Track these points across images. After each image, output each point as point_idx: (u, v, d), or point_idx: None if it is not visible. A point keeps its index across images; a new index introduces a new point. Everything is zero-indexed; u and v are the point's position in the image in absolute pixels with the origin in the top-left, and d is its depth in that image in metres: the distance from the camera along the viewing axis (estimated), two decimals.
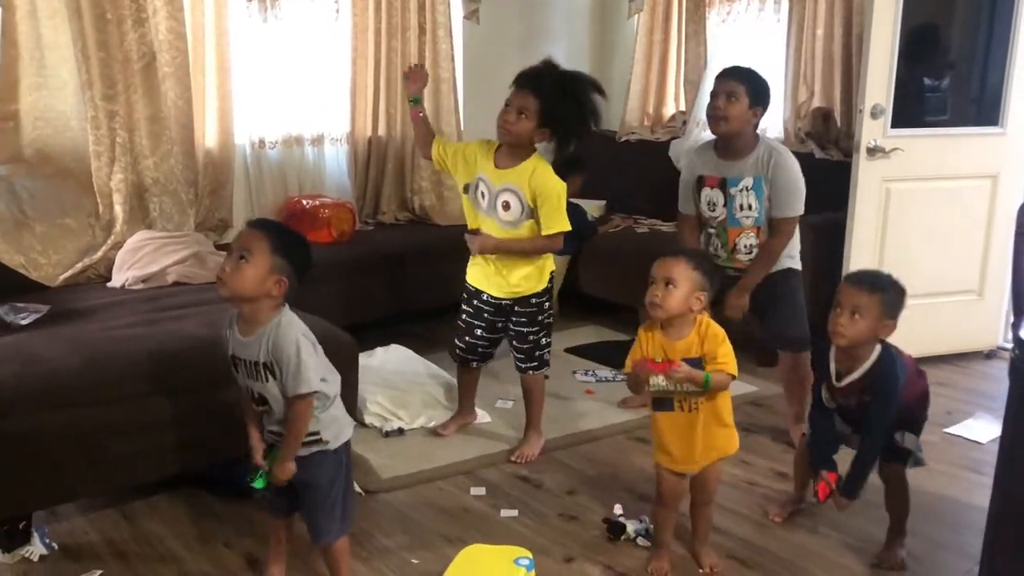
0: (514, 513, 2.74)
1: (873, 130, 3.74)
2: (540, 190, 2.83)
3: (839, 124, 4.40)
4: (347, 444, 2.21)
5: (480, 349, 3.10)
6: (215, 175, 4.12)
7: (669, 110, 5.33)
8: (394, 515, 2.73)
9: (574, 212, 4.57)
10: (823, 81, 4.43)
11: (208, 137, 4.09)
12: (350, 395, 3.01)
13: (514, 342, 3.06)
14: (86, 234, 3.60)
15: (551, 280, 3.02)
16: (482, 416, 3.35)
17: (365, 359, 3.39)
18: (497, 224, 2.91)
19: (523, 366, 3.07)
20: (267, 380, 2.07)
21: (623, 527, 2.59)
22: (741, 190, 3.04)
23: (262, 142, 4.33)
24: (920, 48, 3.88)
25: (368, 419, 3.27)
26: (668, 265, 2.29)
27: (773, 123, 4.52)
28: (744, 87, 2.98)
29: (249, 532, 2.57)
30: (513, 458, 3.05)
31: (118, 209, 3.64)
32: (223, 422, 2.43)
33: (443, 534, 2.62)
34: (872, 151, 3.74)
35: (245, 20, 4.17)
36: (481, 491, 2.87)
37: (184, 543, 2.53)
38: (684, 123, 5.04)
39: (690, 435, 2.33)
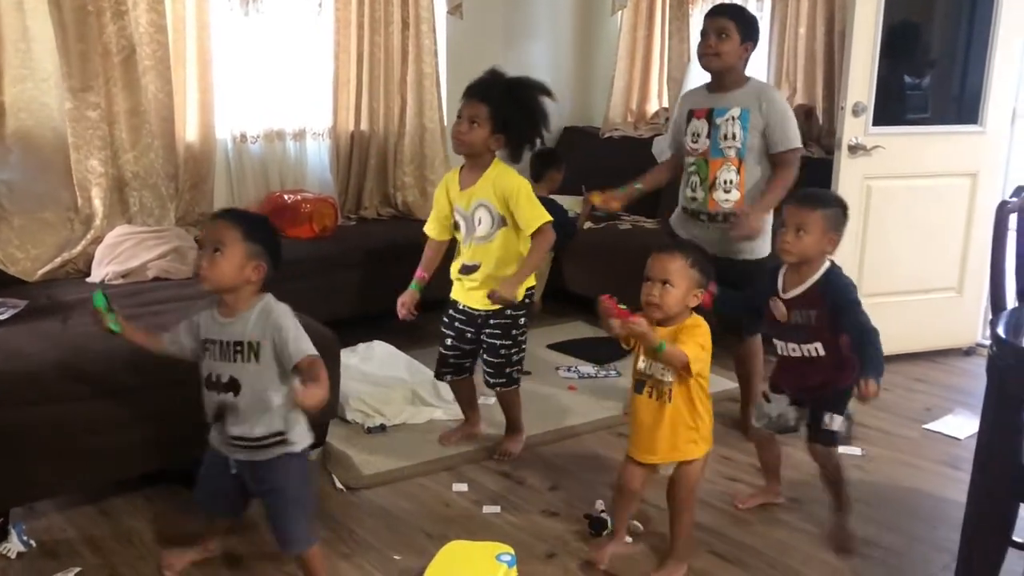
0: (496, 509, 2.74)
1: (855, 128, 3.76)
2: (506, 192, 2.81)
3: (821, 122, 4.42)
4: (308, 451, 2.20)
5: (451, 360, 3.03)
6: (196, 169, 4.09)
7: (652, 107, 5.35)
8: (376, 512, 2.72)
9: (553, 209, 4.59)
10: (805, 79, 4.45)
11: (189, 131, 4.06)
12: (332, 391, 3.00)
13: (485, 355, 2.98)
14: (65, 228, 3.57)
15: (528, 297, 2.95)
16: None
17: (347, 355, 3.38)
18: (472, 244, 2.89)
19: (491, 381, 3.00)
20: (248, 360, 2.08)
21: (605, 523, 2.60)
22: (728, 119, 3.05)
23: (243, 136, 4.31)
24: (901, 46, 3.90)
25: (350, 415, 3.26)
26: (664, 263, 2.27)
27: None
28: (734, 24, 3.02)
29: (230, 529, 2.55)
30: (496, 456, 3.05)
31: (97, 203, 3.61)
32: (204, 419, 2.42)
33: (425, 530, 2.61)
34: (853, 149, 3.76)
35: (227, 13, 4.14)
36: (463, 487, 2.87)
37: (164, 540, 2.51)
38: (667, 120, 5.04)
39: (654, 425, 2.34)
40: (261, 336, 2.08)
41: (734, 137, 3.05)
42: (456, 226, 2.94)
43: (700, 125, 3.11)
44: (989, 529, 2.01)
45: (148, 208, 3.76)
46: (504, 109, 2.78)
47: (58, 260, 3.47)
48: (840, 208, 2.46)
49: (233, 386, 2.10)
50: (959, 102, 4.10)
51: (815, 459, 2.55)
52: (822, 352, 2.43)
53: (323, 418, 3.03)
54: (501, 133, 2.80)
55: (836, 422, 2.47)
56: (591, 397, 3.59)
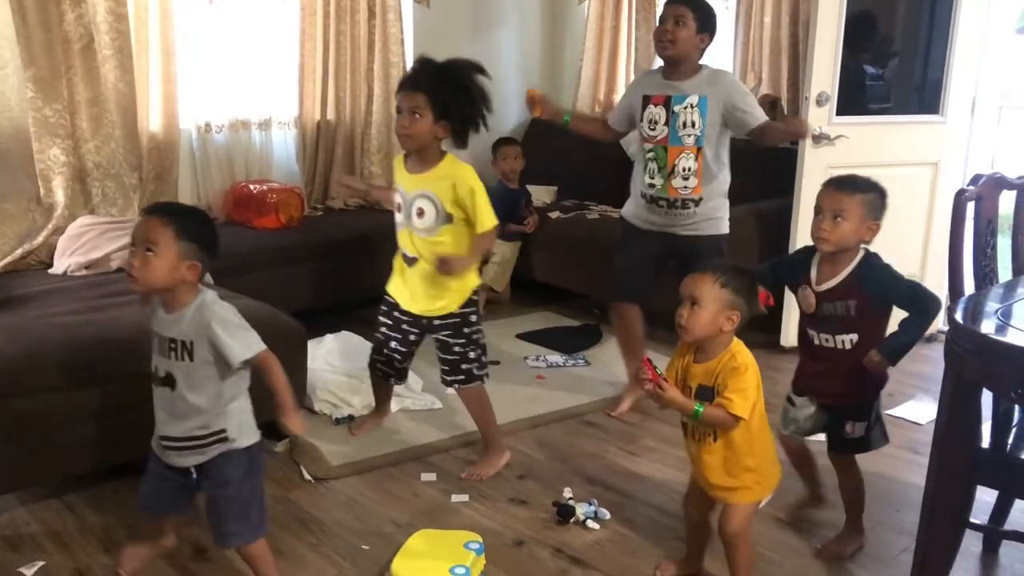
0: (465, 498, 2.75)
1: (818, 117, 3.80)
2: (465, 192, 2.74)
3: (786, 112, 4.46)
4: (258, 447, 2.13)
5: (397, 364, 2.99)
6: (160, 159, 4.04)
7: (620, 96, 5.34)
8: (344, 501, 2.72)
9: (514, 196, 4.60)
10: (770, 69, 4.49)
11: (153, 120, 4.02)
12: (299, 382, 3.01)
13: (439, 353, 2.91)
14: (26, 219, 3.52)
15: (474, 295, 2.88)
16: (432, 402, 3.36)
17: (314, 346, 3.37)
18: (413, 234, 2.81)
19: (448, 379, 2.93)
20: (182, 359, 2.01)
21: (572, 510, 2.62)
22: (686, 107, 3.07)
23: (208, 126, 4.26)
24: (864, 37, 3.95)
25: (318, 406, 3.25)
26: (693, 282, 2.10)
27: None
28: (692, 13, 3.04)
29: (196, 521, 2.53)
30: (463, 475, 2.89)
31: (59, 193, 3.56)
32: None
33: (393, 520, 2.62)
34: (817, 138, 3.80)
35: (190, 1, 4.09)
36: (432, 477, 2.87)
37: (130, 534, 2.49)
38: None
39: (698, 463, 2.19)
40: (195, 336, 2.00)
41: (693, 125, 3.07)
42: (397, 207, 2.85)
43: (658, 112, 3.12)
44: (947, 511, 2.04)
45: (111, 198, 3.71)
46: (442, 94, 2.71)
47: (19, 251, 3.42)
48: (879, 193, 2.32)
49: (168, 381, 2.04)
50: (920, 92, 4.16)
51: (836, 468, 2.49)
52: (856, 342, 2.33)
53: None
54: (444, 120, 2.73)
55: (859, 429, 2.39)
56: (559, 386, 3.61)
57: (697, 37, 3.06)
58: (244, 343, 2.01)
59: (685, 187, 3.12)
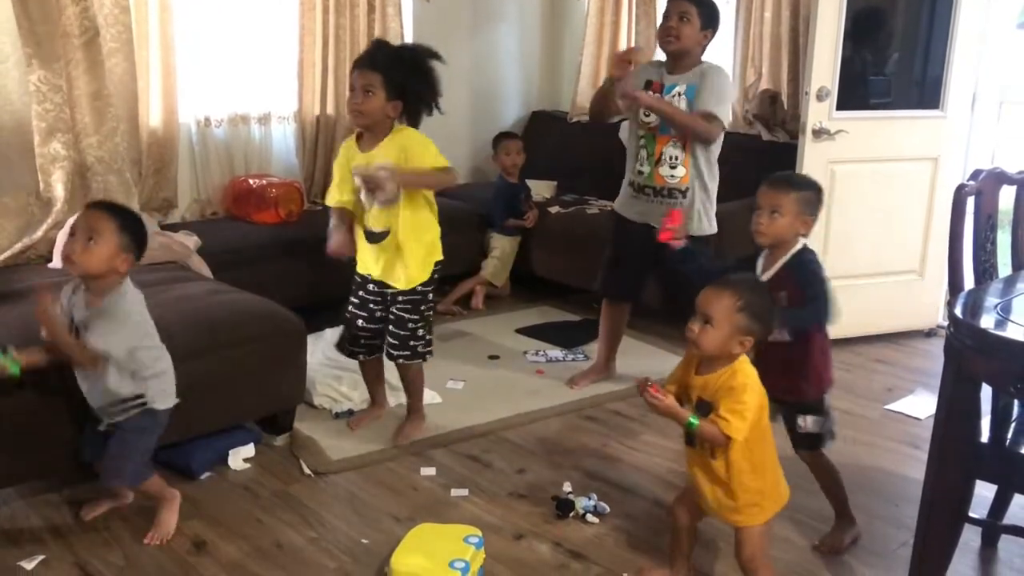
0: (464, 492, 2.75)
1: (819, 112, 3.79)
2: (411, 148, 2.79)
3: (786, 106, 4.45)
4: (170, 412, 2.40)
5: (363, 340, 3.02)
6: (160, 154, 4.03)
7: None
8: (344, 496, 2.72)
9: (514, 190, 4.61)
10: (770, 64, 4.48)
11: (152, 115, 4.01)
12: (299, 377, 3.01)
13: (391, 327, 2.96)
14: (25, 213, 3.51)
15: (435, 274, 2.96)
16: (432, 397, 3.35)
17: (313, 341, 3.36)
18: (376, 207, 2.81)
19: (394, 352, 2.98)
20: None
21: (572, 504, 2.62)
22: (674, 95, 3.12)
23: (208, 120, 4.25)
24: (865, 32, 3.94)
25: (318, 400, 3.25)
26: (710, 299, 2.04)
27: None
28: (696, 9, 3.09)
29: (195, 514, 2.54)
30: (395, 443, 3.00)
31: (59, 188, 3.55)
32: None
33: (393, 514, 2.62)
34: (817, 133, 3.80)
35: None
36: (431, 471, 2.87)
37: (129, 527, 2.49)
38: None
39: (700, 474, 2.14)
40: (91, 318, 2.24)
41: None
42: (358, 191, 2.85)
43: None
44: (946, 506, 2.05)
45: (112, 193, 3.69)
46: (396, 72, 2.77)
47: (18, 246, 3.41)
48: (814, 191, 2.41)
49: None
50: (921, 87, 4.15)
51: (807, 464, 2.49)
52: (787, 337, 2.33)
53: (290, 404, 3.04)
54: (398, 99, 2.78)
55: (810, 423, 2.40)
56: (559, 381, 3.61)
57: (701, 33, 3.11)
58: (97, 342, 2.23)
59: (672, 176, 3.15)
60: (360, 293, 2.99)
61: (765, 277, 2.40)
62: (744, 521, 2.13)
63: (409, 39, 4.76)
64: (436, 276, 2.98)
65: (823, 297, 2.31)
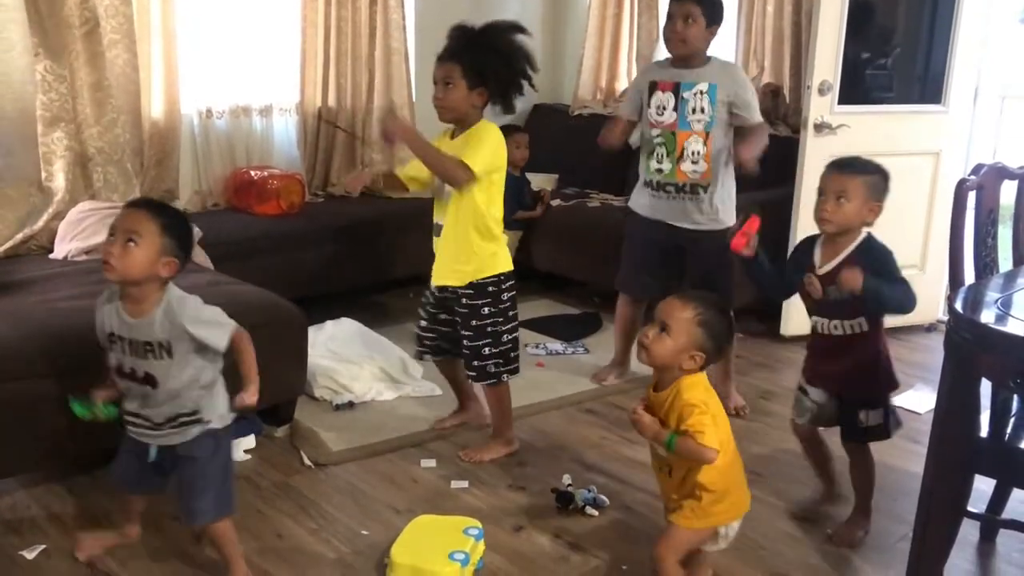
0: (464, 484, 2.75)
1: (820, 106, 3.79)
2: (472, 138, 2.67)
3: (788, 100, 4.45)
4: (226, 432, 2.18)
5: (426, 341, 2.94)
6: (161, 145, 4.03)
7: (622, 84, 5.34)
8: (344, 487, 2.73)
9: (520, 184, 4.61)
10: (772, 58, 4.47)
11: (154, 106, 4.01)
12: (300, 369, 3.01)
13: (463, 341, 2.81)
14: (27, 203, 3.51)
15: (492, 286, 2.77)
16: (432, 389, 3.36)
17: (315, 333, 3.37)
18: (441, 200, 2.76)
19: (467, 373, 2.88)
20: (161, 358, 2.04)
21: (571, 497, 2.63)
22: (695, 93, 3.09)
23: (209, 112, 4.25)
24: (867, 26, 3.94)
25: (318, 392, 3.26)
26: (670, 308, 2.02)
27: None
28: (700, 8, 3.05)
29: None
30: (461, 454, 2.91)
31: (60, 178, 3.56)
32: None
33: (393, 505, 2.63)
34: (819, 127, 3.80)
35: None
36: (431, 463, 2.88)
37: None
38: None
39: (662, 477, 2.16)
40: (169, 336, 2.03)
41: (703, 111, 3.10)
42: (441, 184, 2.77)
43: (666, 98, 3.15)
44: (945, 500, 2.05)
45: (112, 184, 3.71)
46: (475, 60, 2.63)
47: (19, 236, 3.42)
48: (882, 175, 2.33)
49: (150, 380, 2.06)
50: (923, 82, 4.15)
51: (849, 455, 2.49)
52: (867, 327, 2.33)
53: (291, 395, 3.04)
54: (481, 86, 2.65)
55: (872, 417, 2.39)
56: (559, 374, 3.61)
57: (707, 31, 3.08)
58: (220, 332, 2.06)
59: (694, 171, 3.13)
60: (426, 291, 2.91)
61: (827, 268, 2.34)
62: (678, 519, 2.09)
63: (411, 31, 4.76)
64: (495, 289, 2.77)
65: (908, 289, 2.26)
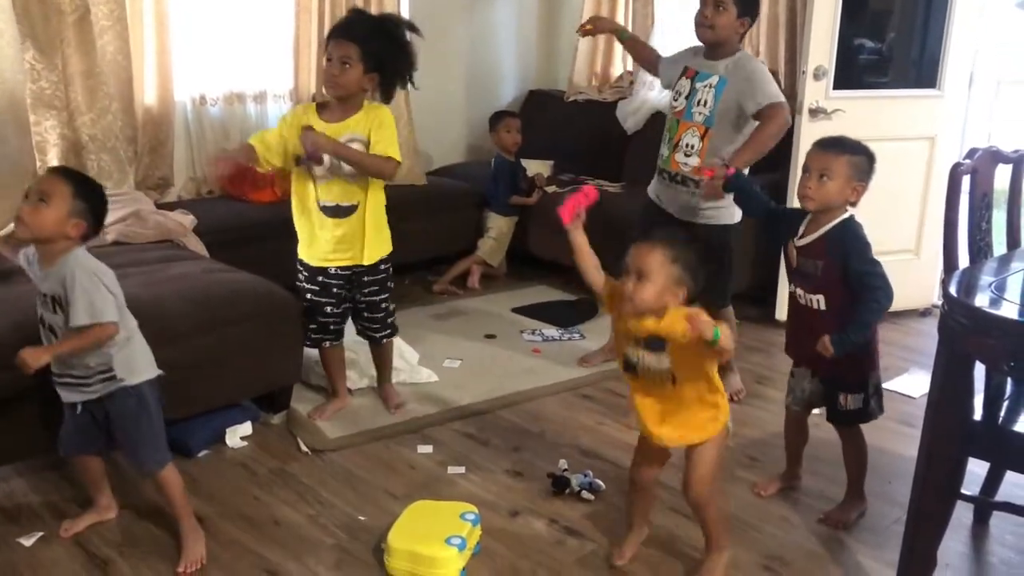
0: (461, 470, 2.76)
1: (815, 91, 3.79)
2: (377, 125, 2.77)
3: (783, 85, 4.43)
4: (152, 383, 2.28)
5: (332, 327, 2.99)
6: (155, 132, 4.02)
7: (617, 70, 5.32)
8: (341, 473, 2.74)
9: (514, 168, 4.61)
10: (768, 43, 4.46)
11: (147, 93, 3.99)
12: (296, 355, 3.02)
13: (365, 313, 3.00)
14: (20, 191, 3.49)
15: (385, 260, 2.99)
16: (429, 375, 3.36)
17: None
18: (342, 179, 2.79)
19: (378, 335, 3.05)
20: (56, 312, 2.15)
21: (567, 481, 2.64)
22: (705, 86, 3.07)
23: (203, 99, 4.23)
24: (862, 10, 3.93)
25: (314, 380, 3.26)
26: (642, 255, 2.04)
27: None
28: None
29: (193, 492, 2.55)
30: (393, 408, 3.11)
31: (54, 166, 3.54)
32: (163, 383, 2.41)
33: (390, 491, 2.64)
34: (814, 112, 3.79)
35: None
36: (428, 449, 2.89)
37: (128, 504, 2.51)
38: (631, 84, 5.04)
39: (654, 404, 2.15)
40: (60, 291, 2.14)
41: (705, 104, 3.07)
42: (301, 162, 2.79)
43: (685, 84, 3.15)
44: (939, 483, 2.06)
45: (107, 171, 3.70)
46: (374, 45, 2.72)
47: (12, 225, 3.39)
48: (867, 156, 2.34)
49: (54, 332, 2.19)
50: (918, 66, 4.14)
51: (841, 438, 2.52)
52: (823, 307, 2.35)
53: (287, 382, 3.05)
54: (374, 72, 2.74)
55: (853, 401, 2.42)
56: (555, 359, 3.62)
57: (737, 21, 3.03)
58: (80, 310, 2.11)
59: (685, 163, 3.12)
60: (319, 278, 2.92)
61: (805, 241, 2.37)
62: (703, 431, 2.14)
63: (405, 16, 4.73)
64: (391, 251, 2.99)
65: (874, 280, 2.26)
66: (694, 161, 3.09)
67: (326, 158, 2.75)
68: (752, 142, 2.99)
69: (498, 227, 4.58)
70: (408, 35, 2.81)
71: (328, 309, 2.95)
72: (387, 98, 2.85)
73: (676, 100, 3.17)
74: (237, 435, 2.88)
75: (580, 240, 2.22)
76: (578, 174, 4.88)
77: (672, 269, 2.03)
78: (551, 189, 4.64)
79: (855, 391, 2.43)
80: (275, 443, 2.89)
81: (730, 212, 3.15)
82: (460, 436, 2.99)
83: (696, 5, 3.08)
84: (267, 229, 3.88)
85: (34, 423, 2.45)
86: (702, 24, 3.05)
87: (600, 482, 2.66)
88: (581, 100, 5.24)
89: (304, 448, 2.86)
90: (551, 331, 3.93)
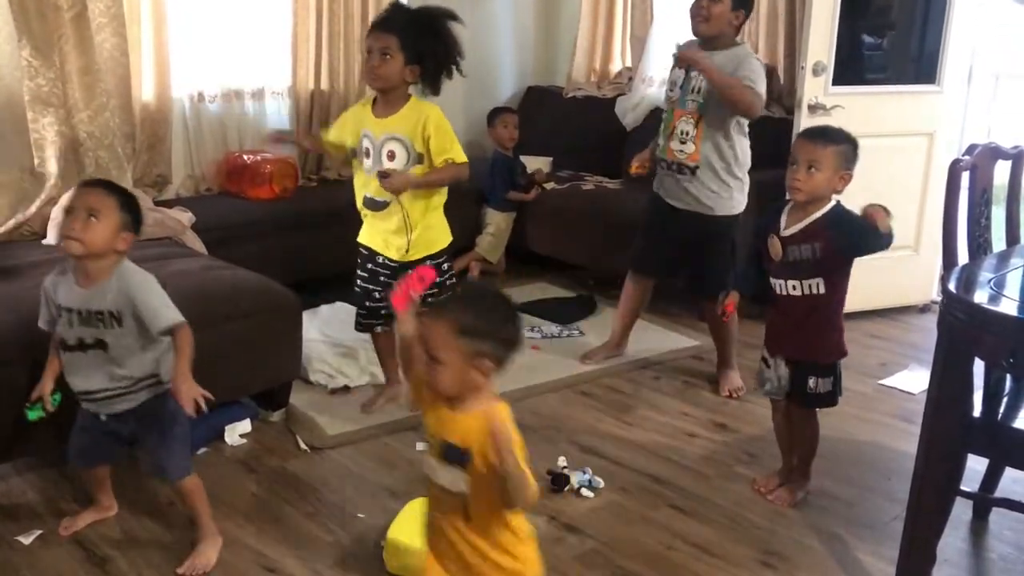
0: None
1: (815, 87, 3.78)
2: (429, 131, 2.75)
3: (782, 81, 4.43)
4: None
5: (383, 312, 2.94)
6: (153, 129, 4.01)
7: (616, 66, 5.32)
8: (340, 471, 2.74)
9: (511, 164, 4.61)
10: (767, 38, 4.45)
11: (145, 90, 3.98)
12: (295, 353, 3.01)
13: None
14: (19, 189, 3.49)
15: (449, 245, 2.95)
16: None
17: (309, 317, 3.37)
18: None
19: None
20: (111, 327, 2.14)
21: (567, 478, 2.64)
22: (699, 73, 3.08)
23: (201, 96, 4.22)
24: (861, 6, 3.92)
25: (314, 377, 3.26)
26: (428, 331, 1.61)
27: None
28: None
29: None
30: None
31: (52, 163, 3.53)
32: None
33: (389, 489, 2.63)
34: (813, 108, 3.79)
35: None
36: (427, 446, 2.88)
37: (127, 502, 2.50)
38: (630, 79, 5.03)
39: (444, 542, 1.67)
40: (119, 305, 2.13)
41: (698, 92, 3.10)
42: (356, 154, 2.83)
43: (678, 74, 3.18)
44: (938, 479, 2.06)
45: (104, 169, 3.68)
46: (414, 38, 2.71)
47: (11, 222, 3.40)
48: (851, 145, 2.38)
49: (101, 344, 2.16)
50: (917, 62, 4.13)
51: (796, 418, 2.54)
52: (823, 289, 2.38)
53: (286, 379, 3.04)
54: (416, 64, 2.73)
55: (821, 385, 2.45)
56: (554, 356, 3.61)
57: (732, 13, 3.06)
58: (161, 316, 2.13)
59: (681, 151, 3.14)
60: (369, 265, 2.94)
61: (791, 231, 2.39)
62: None
63: None
64: (447, 249, 2.94)
65: (886, 236, 2.31)
66: (689, 148, 3.12)
67: (368, 160, 2.80)
68: (727, 81, 2.99)
69: (496, 223, 4.58)
70: (448, 23, 2.78)
71: (376, 295, 2.93)
72: (435, 90, 2.82)
73: (672, 91, 3.20)
74: (236, 432, 2.88)
75: (411, 331, 1.70)
76: (577, 170, 4.88)
77: (460, 344, 1.57)
78: (550, 185, 4.64)
79: (825, 375, 2.46)
80: (274, 441, 2.89)
81: (731, 202, 3.18)
82: None
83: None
84: (266, 226, 3.89)
85: (36, 420, 2.44)
86: (697, 15, 3.08)
87: (599, 479, 2.67)
88: (580, 96, 5.23)
89: (303, 446, 2.86)
90: (550, 327, 3.92)
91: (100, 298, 2.13)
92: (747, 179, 3.22)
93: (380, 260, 2.91)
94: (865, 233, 2.30)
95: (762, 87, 3.06)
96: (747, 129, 3.18)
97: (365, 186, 2.86)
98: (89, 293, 2.14)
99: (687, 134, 3.12)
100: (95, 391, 2.19)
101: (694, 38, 3.18)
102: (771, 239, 2.44)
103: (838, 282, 2.41)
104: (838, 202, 2.39)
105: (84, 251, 2.10)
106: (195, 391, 2.06)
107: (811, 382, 2.46)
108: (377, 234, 2.90)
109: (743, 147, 3.17)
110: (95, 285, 2.14)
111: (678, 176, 3.17)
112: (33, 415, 2.21)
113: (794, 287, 2.43)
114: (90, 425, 2.26)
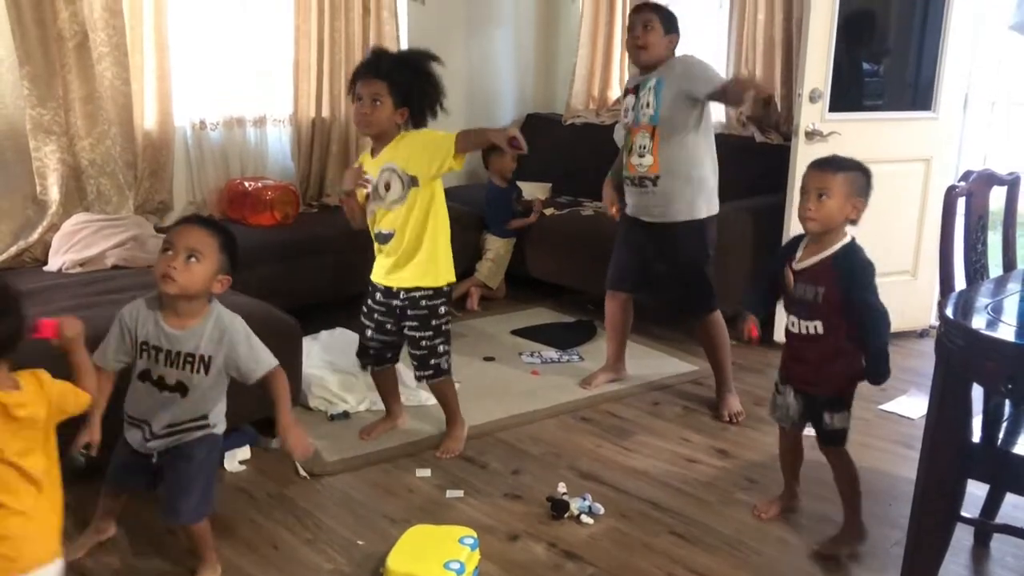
0: (459, 493, 2.76)
1: (811, 114, 3.82)
2: (420, 144, 2.80)
3: (779, 108, 4.47)
4: (222, 438, 2.29)
5: (372, 351, 3.00)
6: (155, 157, 4.04)
7: (614, 93, 5.36)
8: (339, 497, 2.73)
9: (506, 193, 4.63)
10: (764, 66, 4.49)
11: (147, 118, 4.01)
12: (295, 379, 3.01)
13: (408, 348, 2.95)
14: (21, 216, 3.52)
15: (450, 288, 2.95)
16: (427, 398, 3.36)
17: (309, 343, 3.38)
18: (385, 210, 2.85)
19: (417, 373, 3.00)
20: (199, 371, 2.11)
21: (567, 505, 2.63)
22: (647, 90, 3.21)
23: (203, 123, 4.26)
24: (857, 34, 3.96)
25: (313, 403, 3.26)
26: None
27: (715, 108, 4.56)
28: (656, 16, 3.20)
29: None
30: (438, 454, 2.98)
31: (54, 191, 3.56)
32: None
33: (388, 515, 2.63)
34: (810, 135, 3.82)
35: None
36: (426, 472, 2.88)
37: (126, 528, 2.48)
38: None
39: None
40: (214, 351, 2.11)
41: (648, 105, 3.20)
42: (368, 197, 2.89)
43: (629, 100, 3.31)
44: (938, 505, 2.06)
45: (106, 196, 3.71)
46: (401, 80, 2.77)
47: (14, 249, 3.42)
48: (862, 172, 2.36)
49: (180, 388, 2.13)
50: (913, 89, 4.17)
51: (830, 463, 2.49)
52: (820, 331, 2.36)
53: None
54: (404, 106, 2.79)
55: (837, 420, 2.41)
56: (554, 382, 3.62)
57: (666, 39, 3.21)
58: (261, 364, 2.14)
59: (640, 164, 3.23)
60: (369, 301, 2.98)
61: (803, 265, 2.38)
62: None
63: (404, 42, 4.78)
64: (447, 289, 2.93)
65: (874, 316, 2.30)
66: (648, 160, 3.21)
67: (374, 194, 2.85)
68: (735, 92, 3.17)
69: (496, 249, 4.60)
70: (431, 65, 2.86)
71: (368, 332, 2.98)
72: (418, 127, 2.89)
73: (626, 116, 3.31)
74: (236, 459, 2.88)
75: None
76: (576, 196, 4.90)
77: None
78: (549, 211, 4.66)
79: (838, 409, 2.43)
80: (273, 467, 2.89)
81: (695, 206, 3.23)
82: (458, 459, 2.98)
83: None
84: (267, 253, 3.89)
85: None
86: (634, 46, 3.22)
87: (599, 505, 2.66)
88: (579, 123, 5.27)
89: (302, 472, 2.85)
90: (550, 353, 3.93)
91: (193, 341, 2.10)
92: (713, 182, 3.27)
93: (378, 297, 2.94)
94: (863, 282, 2.31)
95: (713, 71, 3.22)
96: (712, 136, 3.27)
97: (375, 223, 2.91)
98: (181, 334, 2.10)
99: (644, 147, 3.21)
100: (155, 427, 2.17)
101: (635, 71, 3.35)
102: (786, 270, 2.43)
103: (838, 324, 2.35)
104: (853, 239, 2.37)
105: (180, 291, 2.07)
106: (306, 440, 2.07)
107: (826, 417, 2.42)
108: (381, 267, 2.94)
109: (702, 151, 3.23)
110: (188, 327, 2.11)
111: (642, 189, 3.26)
112: (79, 461, 2.04)
113: (793, 324, 2.43)
114: (132, 458, 2.24)
